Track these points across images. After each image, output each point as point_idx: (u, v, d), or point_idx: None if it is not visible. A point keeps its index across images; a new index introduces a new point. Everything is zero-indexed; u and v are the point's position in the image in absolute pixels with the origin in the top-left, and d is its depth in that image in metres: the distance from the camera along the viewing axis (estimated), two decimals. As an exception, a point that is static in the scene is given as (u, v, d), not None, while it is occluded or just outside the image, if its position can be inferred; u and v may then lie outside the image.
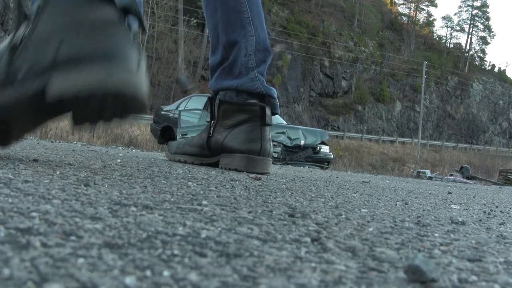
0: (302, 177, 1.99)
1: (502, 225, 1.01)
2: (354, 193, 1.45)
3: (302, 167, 4.88)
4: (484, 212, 1.33)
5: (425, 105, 39.43)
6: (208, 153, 1.72)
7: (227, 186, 1.13)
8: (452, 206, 1.40)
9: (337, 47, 39.82)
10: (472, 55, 53.57)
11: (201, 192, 0.95)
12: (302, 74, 37.44)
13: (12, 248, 0.39)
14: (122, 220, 0.57)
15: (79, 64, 0.83)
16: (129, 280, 0.35)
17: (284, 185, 1.40)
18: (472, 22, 54.37)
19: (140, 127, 15.67)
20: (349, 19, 43.81)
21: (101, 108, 0.85)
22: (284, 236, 0.59)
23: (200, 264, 0.42)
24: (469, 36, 54.04)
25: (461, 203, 1.57)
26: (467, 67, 49.60)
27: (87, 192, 0.76)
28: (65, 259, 0.38)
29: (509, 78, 52.76)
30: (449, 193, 2.21)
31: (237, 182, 1.29)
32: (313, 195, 1.19)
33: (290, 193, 1.17)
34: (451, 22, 56.99)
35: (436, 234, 0.75)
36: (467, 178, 13.89)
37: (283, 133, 8.21)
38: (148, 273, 0.37)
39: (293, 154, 8.11)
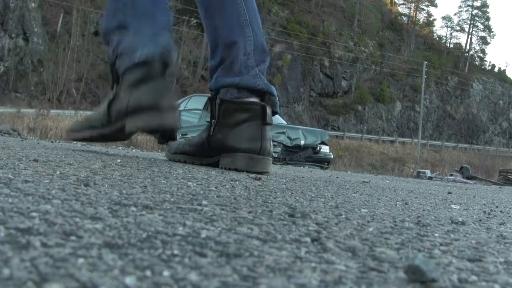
0: (302, 177, 1.99)
1: (502, 225, 1.01)
2: (354, 193, 1.45)
3: (302, 167, 4.88)
4: (484, 212, 1.33)
5: (425, 105, 39.43)
6: (208, 153, 1.73)
7: (227, 186, 1.13)
8: (452, 206, 1.40)
9: (337, 47, 39.83)
10: (472, 55, 53.59)
11: (201, 192, 0.95)
12: (302, 74, 37.44)
13: (12, 248, 0.39)
14: (122, 220, 0.57)
15: (139, 113, 1.53)
16: (129, 280, 0.35)
17: (284, 185, 1.39)
18: (472, 22, 54.39)
19: (140, 127, 15.61)
20: (349, 19, 43.82)
21: (151, 133, 1.92)
22: (284, 236, 0.59)
23: (200, 264, 0.42)
24: (469, 36, 54.08)
25: (461, 203, 1.57)
26: (467, 67, 49.60)
27: (87, 192, 0.76)
28: (65, 259, 0.38)
29: (509, 78, 52.76)
30: (449, 193, 2.21)
31: (237, 182, 1.29)
32: (313, 195, 1.19)
33: (290, 193, 1.17)
34: (451, 22, 57.03)
35: (436, 234, 0.75)
36: (467, 178, 13.88)
37: (283, 133, 8.20)
38: (148, 273, 0.37)
39: (293, 154, 8.11)
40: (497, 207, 1.60)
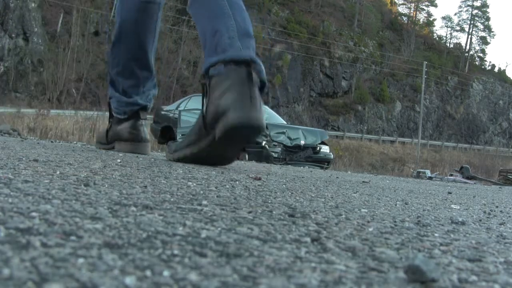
0: (302, 177, 1.99)
1: (502, 225, 1.01)
2: (354, 193, 1.45)
3: (302, 167, 4.88)
4: (484, 212, 1.33)
5: (425, 105, 39.42)
6: (206, 132, 1.73)
7: (227, 186, 1.13)
8: (452, 206, 1.40)
9: (337, 47, 39.82)
10: (472, 55, 53.56)
11: (201, 192, 0.95)
12: (302, 74, 37.44)
13: (12, 248, 0.39)
14: (122, 220, 0.57)
15: (122, 142, 2.27)
16: (129, 280, 0.35)
17: (284, 185, 1.40)
18: (472, 22, 54.37)
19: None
20: (349, 19, 43.81)
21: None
22: (284, 236, 0.59)
23: (200, 264, 0.42)
24: (469, 36, 54.06)
25: (461, 203, 1.57)
26: (467, 67, 49.58)
27: (87, 192, 0.76)
28: (65, 259, 0.38)
29: (509, 78, 52.72)
30: (449, 193, 2.21)
31: (237, 182, 1.29)
32: (313, 195, 1.19)
33: (290, 193, 1.17)
34: (451, 22, 57.01)
35: (436, 234, 0.75)
36: (467, 178, 13.89)
37: (283, 133, 8.21)
38: (148, 273, 0.37)
39: (293, 154, 8.11)
40: (497, 207, 1.60)
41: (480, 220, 1.06)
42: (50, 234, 0.45)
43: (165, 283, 0.35)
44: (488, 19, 55.71)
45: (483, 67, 54.36)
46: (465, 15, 56.67)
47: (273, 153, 7.69)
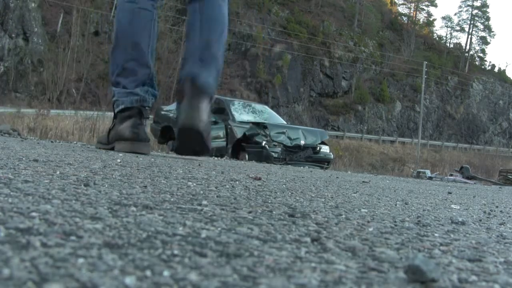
0: (302, 177, 1.99)
1: (502, 225, 1.01)
2: (354, 193, 1.45)
3: (302, 167, 4.88)
4: (484, 212, 1.33)
5: (425, 105, 39.39)
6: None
7: (227, 186, 1.13)
8: (452, 206, 1.40)
9: (337, 47, 39.81)
10: (472, 55, 53.51)
11: (201, 192, 0.95)
12: (302, 74, 37.43)
13: (12, 248, 0.39)
14: (122, 220, 0.57)
15: (121, 140, 2.35)
16: (129, 280, 0.35)
17: (284, 185, 1.40)
18: (472, 22, 54.33)
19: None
20: (349, 19, 43.79)
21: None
22: (284, 236, 0.59)
23: (200, 264, 0.42)
24: (469, 36, 54.02)
25: (461, 203, 1.57)
26: (467, 67, 49.54)
27: (87, 192, 0.76)
28: (65, 259, 0.38)
29: (509, 78, 52.67)
30: (449, 193, 2.21)
31: (237, 182, 1.29)
32: (313, 195, 1.19)
33: (290, 193, 1.17)
34: (451, 22, 56.96)
35: (436, 234, 0.75)
36: (467, 178, 13.89)
37: (283, 133, 8.20)
38: (148, 273, 0.37)
39: (293, 154, 8.11)
40: (497, 207, 1.60)
41: (480, 220, 1.06)
42: (50, 234, 0.45)
43: (165, 283, 0.35)
44: (488, 19, 55.71)
45: (483, 67, 54.35)
46: (465, 15, 56.67)
47: (273, 153, 7.68)
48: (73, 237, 0.45)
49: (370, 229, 0.72)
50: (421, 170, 17.58)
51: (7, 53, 27.60)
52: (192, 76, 2.21)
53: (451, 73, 46.27)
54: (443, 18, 73.22)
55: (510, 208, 1.60)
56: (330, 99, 38.71)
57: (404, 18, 53.69)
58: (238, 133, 7.96)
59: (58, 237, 0.45)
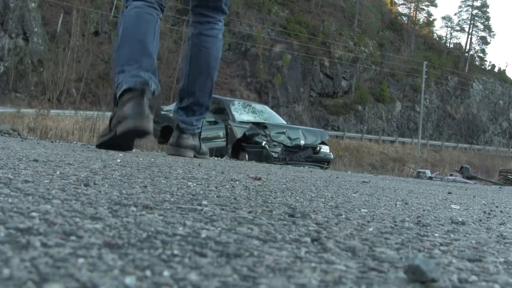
0: (302, 177, 1.99)
1: (502, 225, 1.01)
2: (354, 193, 1.45)
3: (302, 167, 4.88)
4: (484, 212, 1.33)
5: (425, 105, 39.38)
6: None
7: (227, 186, 1.13)
8: (452, 206, 1.40)
9: (337, 47, 39.81)
10: (472, 55, 53.50)
11: (201, 192, 0.95)
12: (302, 74, 37.43)
13: (12, 248, 0.39)
14: (122, 220, 0.57)
15: (124, 120, 2.28)
16: (129, 280, 0.35)
17: (284, 185, 1.40)
18: (472, 22, 54.32)
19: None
20: (349, 19, 43.79)
21: (133, 135, 2.36)
22: (284, 236, 0.59)
23: (200, 264, 0.42)
24: (469, 36, 54.02)
25: (461, 203, 1.57)
26: (467, 67, 49.54)
27: (87, 192, 0.76)
28: (65, 259, 0.38)
29: (509, 78, 52.66)
30: (449, 193, 2.22)
31: (237, 182, 1.29)
32: (313, 195, 1.19)
33: (290, 193, 1.17)
34: (451, 22, 56.96)
35: (436, 234, 0.75)
36: (467, 178, 13.89)
37: (283, 133, 8.20)
38: (148, 273, 0.37)
39: (293, 154, 8.10)
40: (497, 207, 1.60)
41: (480, 220, 1.06)
42: (50, 234, 0.45)
43: (165, 283, 0.35)
44: (488, 19, 55.70)
45: (483, 67, 54.34)
46: (465, 15, 56.66)
47: (273, 153, 7.68)
48: (73, 237, 0.45)
49: (370, 229, 0.72)
50: (421, 170, 17.59)
51: (7, 53, 27.60)
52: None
53: (451, 73, 46.26)
54: (443, 18, 73.23)
55: (510, 208, 1.60)
56: (330, 99, 38.71)
57: (404, 18, 53.69)
58: (238, 133, 7.96)
59: (58, 237, 0.45)
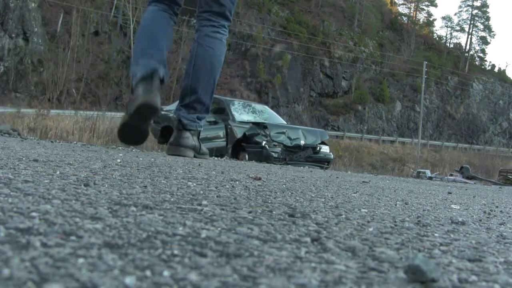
0: (302, 177, 1.99)
1: (502, 225, 1.01)
2: (354, 193, 1.45)
3: (302, 167, 4.88)
4: (484, 212, 1.33)
5: (425, 105, 39.37)
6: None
7: (227, 186, 1.13)
8: (452, 206, 1.40)
9: (337, 47, 39.80)
10: (472, 55, 53.48)
11: (201, 192, 0.95)
12: (302, 74, 37.42)
13: (12, 248, 0.39)
14: (122, 220, 0.57)
15: (136, 97, 2.46)
16: (129, 280, 0.35)
17: (284, 185, 1.40)
18: (472, 22, 54.30)
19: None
20: (349, 19, 43.78)
21: (145, 112, 2.47)
22: (284, 236, 0.59)
23: (200, 264, 0.42)
24: (469, 36, 53.99)
25: (461, 203, 1.57)
26: (467, 67, 49.51)
27: (87, 192, 0.76)
28: (65, 259, 0.38)
29: (509, 78, 52.64)
30: (449, 193, 2.21)
31: (237, 182, 1.29)
32: (313, 195, 1.19)
33: (290, 193, 1.17)
34: (451, 22, 56.93)
35: (436, 234, 0.75)
36: (467, 178, 13.89)
37: (283, 133, 8.19)
38: (148, 273, 0.37)
39: (293, 154, 8.10)
40: (497, 207, 1.60)
41: (480, 220, 1.06)
42: (50, 234, 0.45)
43: (165, 283, 0.35)
44: (488, 19, 55.70)
45: (483, 67, 54.33)
46: (465, 15, 56.65)
47: (273, 153, 7.68)
48: (73, 237, 0.45)
49: (370, 229, 0.72)
50: (421, 170, 17.59)
51: (7, 53, 27.60)
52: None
53: (451, 73, 46.26)
54: (443, 18, 73.21)
55: (510, 208, 1.60)
56: (330, 99, 38.71)
57: (404, 18, 53.68)
58: (238, 133, 7.95)
59: (58, 237, 0.45)
